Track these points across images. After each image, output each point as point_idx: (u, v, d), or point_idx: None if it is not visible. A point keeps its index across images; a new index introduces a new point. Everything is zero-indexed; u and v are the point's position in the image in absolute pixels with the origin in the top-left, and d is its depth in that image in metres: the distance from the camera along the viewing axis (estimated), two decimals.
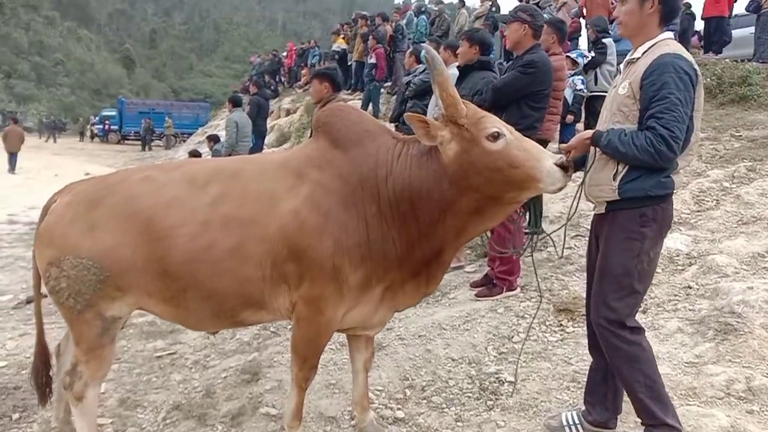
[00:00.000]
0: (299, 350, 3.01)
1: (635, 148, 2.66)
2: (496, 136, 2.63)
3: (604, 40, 8.25)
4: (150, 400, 4.03)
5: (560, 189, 2.69)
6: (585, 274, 5.24)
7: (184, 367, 4.59)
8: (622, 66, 3.05)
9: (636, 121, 2.75)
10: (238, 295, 2.89)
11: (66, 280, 2.86)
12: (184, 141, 34.18)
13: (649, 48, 2.80)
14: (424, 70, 8.15)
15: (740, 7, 12.77)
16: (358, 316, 3.00)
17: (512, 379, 3.77)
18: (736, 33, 12.40)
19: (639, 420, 2.98)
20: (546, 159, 2.64)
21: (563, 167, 2.63)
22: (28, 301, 6.38)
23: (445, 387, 3.80)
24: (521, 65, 4.60)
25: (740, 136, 8.09)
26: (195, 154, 12.67)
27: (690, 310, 4.36)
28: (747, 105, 8.81)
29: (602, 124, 2.97)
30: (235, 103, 11.22)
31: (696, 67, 2.71)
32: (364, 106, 14.42)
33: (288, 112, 21.39)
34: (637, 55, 2.85)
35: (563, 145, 2.98)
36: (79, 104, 67.51)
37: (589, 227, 3.19)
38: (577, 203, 3.14)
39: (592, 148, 2.91)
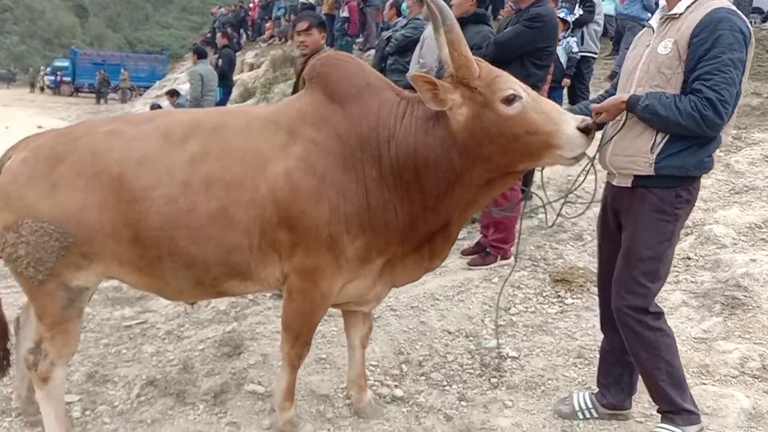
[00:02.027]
0: (291, 326, 2.73)
1: (678, 113, 2.38)
2: (511, 99, 2.33)
3: None
4: (121, 375, 3.69)
5: (579, 158, 2.42)
6: (579, 243, 5.12)
7: (156, 337, 4.24)
8: (653, 23, 2.74)
9: (679, 86, 2.47)
10: (222, 265, 2.59)
11: (24, 247, 2.50)
12: (141, 95, 32.90)
13: (694, 2, 2.52)
14: (405, 25, 7.75)
15: None
16: (354, 290, 2.73)
17: (514, 353, 3.56)
18: None
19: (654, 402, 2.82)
20: (567, 122, 2.35)
21: (586, 131, 2.34)
22: None
23: (443, 362, 3.57)
24: (527, 18, 4.28)
25: None
26: (157, 108, 12.02)
27: (692, 282, 4.21)
28: None
29: (628, 89, 2.67)
30: (200, 54, 10.65)
31: (749, 25, 2.44)
32: None
33: (251, 67, 20.66)
34: (678, 10, 2.55)
35: (594, 106, 2.68)
36: (30, 54, 64.15)
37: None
38: (586, 174, 2.83)
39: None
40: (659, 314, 2.70)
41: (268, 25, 22.67)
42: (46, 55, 61.77)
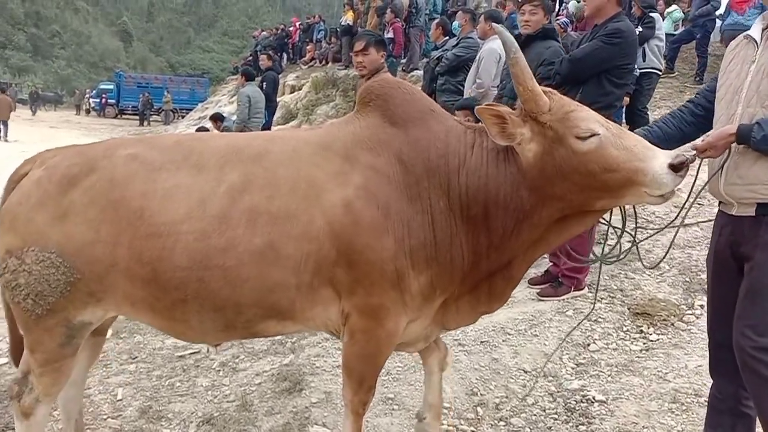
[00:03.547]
0: (354, 370, 2.46)
1: None
2: (586, 137, 2.08)
3: (651, 15, 7.68)
4: (175, 411, 3.49)
5: (668, 197, 2.10)
6: (656, 272, 4.78)
7: (211, 369, 4.05)
8: (754, 34, 2.45)
9: None
10: (258, 306, 2.32)
11: (26, 276, 2.29)
12: (183, 117, 33.40)
13: None
14: (457, 44, 7.53)
15: None
16: (413, 330, 2.47)
17: (601, 397, 3.24)
18: None
19: None
20: (654, 158, 2.05)
21: (678, 168, 2.02)
22: None
23: (523, 406, 3.27)
24: (605, 34, 4.01)
25: None
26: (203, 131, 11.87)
27: None
28: None
29: (733, 110, 2.40)
30: (248, 76, 10.56)
31: None
32: None
33: (293, 89, 20.74)
34: None
35: (697, 143, 2.39)
36: (76, 77, 66.22)
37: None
38: (690, 206, 2.59)
39: None
40: None
41: (309, 47, 22.80)
42: (92, 78, 63.78)
